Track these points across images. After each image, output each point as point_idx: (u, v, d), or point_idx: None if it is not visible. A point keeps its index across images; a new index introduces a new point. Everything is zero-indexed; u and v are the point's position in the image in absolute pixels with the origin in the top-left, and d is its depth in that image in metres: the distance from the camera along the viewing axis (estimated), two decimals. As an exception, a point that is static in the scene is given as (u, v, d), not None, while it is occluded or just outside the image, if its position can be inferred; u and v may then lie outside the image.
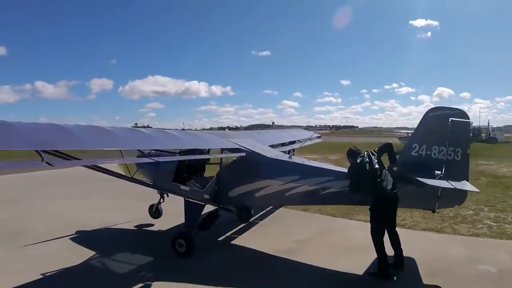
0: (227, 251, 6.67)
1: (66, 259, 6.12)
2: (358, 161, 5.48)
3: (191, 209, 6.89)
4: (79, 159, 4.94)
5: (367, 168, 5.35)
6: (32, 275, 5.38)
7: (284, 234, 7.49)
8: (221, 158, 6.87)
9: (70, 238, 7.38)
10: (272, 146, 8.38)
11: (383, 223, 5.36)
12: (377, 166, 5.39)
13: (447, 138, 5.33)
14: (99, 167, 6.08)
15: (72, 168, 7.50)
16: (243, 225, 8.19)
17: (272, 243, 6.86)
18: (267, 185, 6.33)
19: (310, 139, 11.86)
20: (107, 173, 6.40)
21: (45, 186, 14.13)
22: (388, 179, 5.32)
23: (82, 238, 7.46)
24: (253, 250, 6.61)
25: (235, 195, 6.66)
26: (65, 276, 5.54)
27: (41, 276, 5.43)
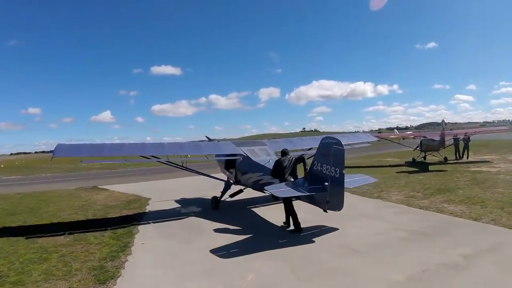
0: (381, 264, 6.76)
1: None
2: (282, 159, 9.09)
3: (225, 185, 12.33)
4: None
5: (283, 165, 8.89)
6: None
7: (449, 246, 7.14)
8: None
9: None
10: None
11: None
12: (288, 166, 8.89)
13: (331, 159, 7.42)
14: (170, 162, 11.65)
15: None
16: (402, 234, 8.09)
17: (436, 255, 6.66)
18: (251, 177, 10.84)
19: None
20: (171, 165, 12.02)
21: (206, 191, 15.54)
22: (289, 175, 8.85)
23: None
24: (414, 261, 6.48)
25: (241, 180, 11.54)
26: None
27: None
